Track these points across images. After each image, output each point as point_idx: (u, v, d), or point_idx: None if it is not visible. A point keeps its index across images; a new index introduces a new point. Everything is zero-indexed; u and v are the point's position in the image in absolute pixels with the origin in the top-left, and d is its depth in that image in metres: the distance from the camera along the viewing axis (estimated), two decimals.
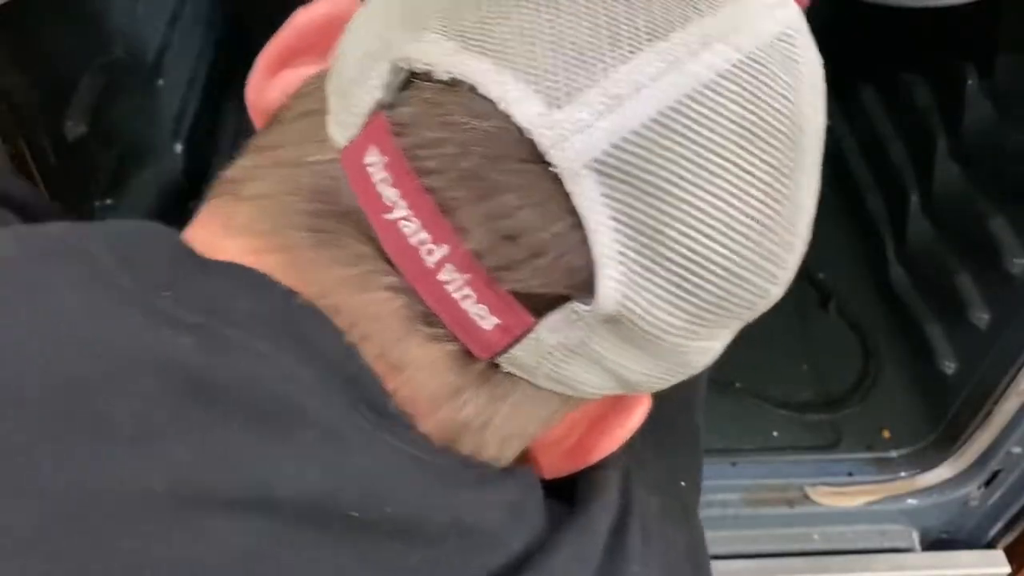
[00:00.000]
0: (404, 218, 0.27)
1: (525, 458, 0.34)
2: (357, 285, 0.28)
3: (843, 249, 1.13)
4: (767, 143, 0.28)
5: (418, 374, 0.28)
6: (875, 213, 1.13)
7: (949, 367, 0.95)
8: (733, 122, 0.27)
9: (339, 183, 0.28)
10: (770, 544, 0.90)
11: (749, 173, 0.27)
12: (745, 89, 0.27)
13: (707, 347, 0.31)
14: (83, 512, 0.24)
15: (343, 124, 0.28)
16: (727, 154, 0.27)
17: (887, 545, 0.92)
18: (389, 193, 0.27)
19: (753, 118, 0.27)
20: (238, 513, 0.25)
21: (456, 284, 0.27)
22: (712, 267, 0.28)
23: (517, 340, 0.28)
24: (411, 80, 0.27)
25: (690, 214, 0.27)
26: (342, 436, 0.26)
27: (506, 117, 0.26)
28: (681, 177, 0.26)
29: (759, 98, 0.27)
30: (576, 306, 0.27)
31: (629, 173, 0.26)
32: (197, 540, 0.24)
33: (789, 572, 0.89)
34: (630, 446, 0.36)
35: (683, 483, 0.44)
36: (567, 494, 0.33)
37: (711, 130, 0.26)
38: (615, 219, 0.26)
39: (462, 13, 0.27)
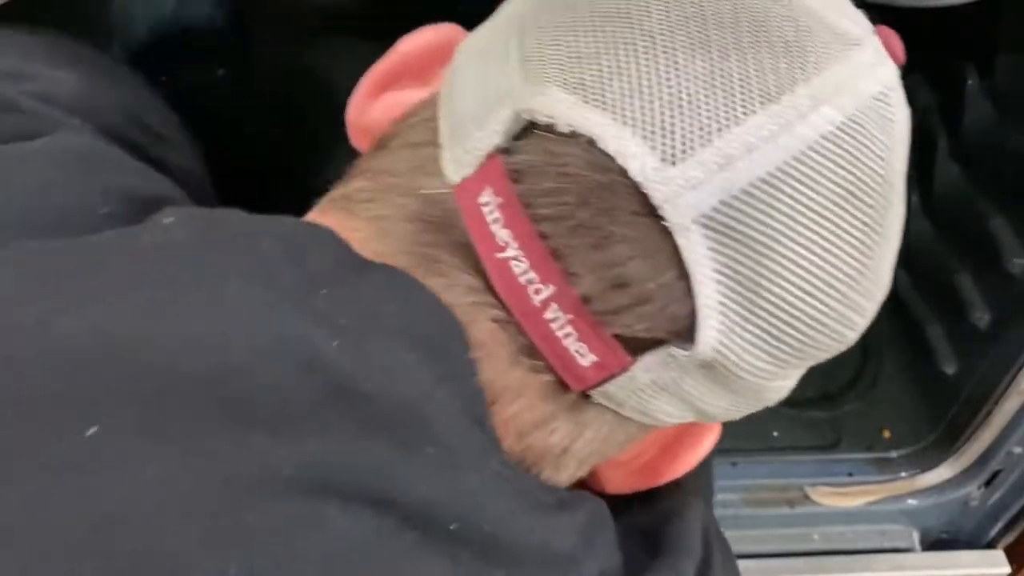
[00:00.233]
0: (514, 258, 0.28)
1: (590, 472, 0.35)
2: (467, 315, 0.29)
3: None
4: (862, 202, 0.29)
5: (515, 402, 0.30)
6: None
7: (949, 367, 0.95)
8: (833, 183, 0.28)
9: (451, 216, 0.29)
10: (770, 544, 0.90)
11: (844, 231, 0.29)
12: (846, 151, 0.28)
13: (784, 385, 0.33)
14: (218, 486, 0.24)
15: (458, 162, 0.29)
16: (826, 212, 0.28)
17: (887, 545, 0.92)
18: (502, 233, 0.28)
19: (852, 178, 0.28)
20: (354, 508, 0.26)
21: (560, 323, 0.28)
22: (802, 317, 0.29)
23: (612, 377, 0.29)
24: (529, 127, 0.28)
25: (788, 268, 0.28)
26: (458, 454, 0.28)
27: (623, 171, 0.27)
28: (782, 234, 0.28)
29: (858, 159, 0.29)
30: (673, 350, 0.29)
31: (734, 229, 0.27)
32: (313, 525, 0.25)
33: (789, 572, 0.89)
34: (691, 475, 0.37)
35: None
36: (616, 505, 0.34)
37: (813, 190, 0.28)
38: (718, 271, 0.27)
39: (583, 66, 0.28)
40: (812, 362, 0.32)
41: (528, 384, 0.30)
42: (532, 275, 0.28)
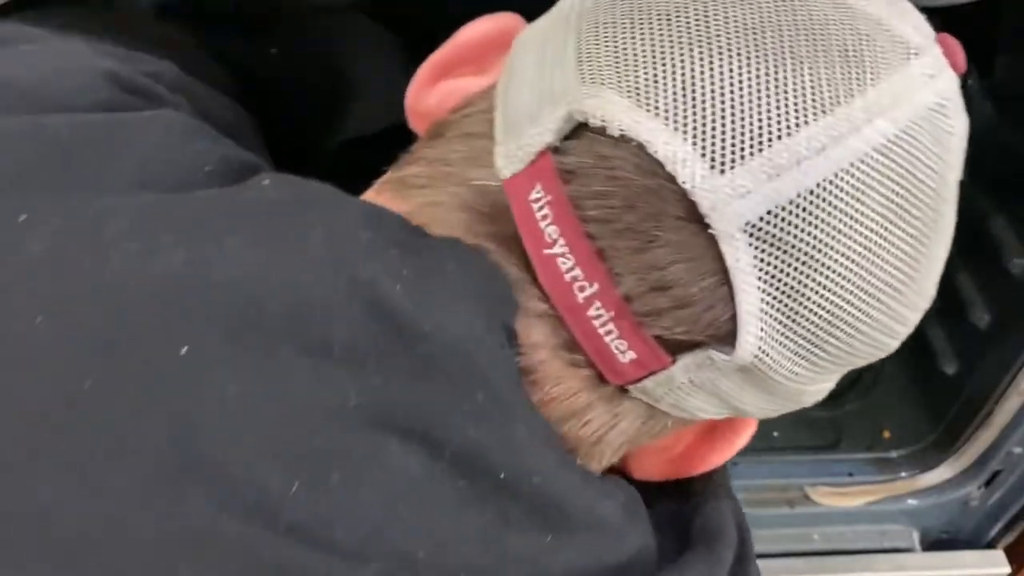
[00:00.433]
0: (561, 255, 0.29)
1: (624, 455, 0.36)
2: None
3: None
4: (912, 215, 0.29)
5: (552, 391, 0.30)
6: None
7: (949, 367, 0.95)
8: (883, 195, 0.28)
9: (500, 209, 0.30)
10: (770, 544, 0.90)
11: (891, 243, 0.28)
12: (898, 163, 0.28)
13: (822, 389, 0.33)
14: (291, 410, 0.27)
15: (510, 157, 0.30)
16: (873, 225, 0.28)
17: (887, 545, 0.92)
18: (550, 230, 0.29)
19: (902, 191, 0.28)
20: (412, 446, 0.27)
21: (602, 320, 0.29)
22: (843, 327, 0.29)
23: (651, 374, 0.30)
24: (581, 128, 0.29)
25: (832, 279, 0.28)
26: (507, 405, 0.28)
27: (671, 177, 0.27)
28: (827, 245, 0.28)
29: (910, 172, 0.28)
30: (712, 353, 0.29)
31: (780, 239, 0.27)
32: (375, 458, 0.27)
33: (789, 572, 0.89)
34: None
35: None
36: (645, 493, 0.35)
37: (861, 202, 0.28)
38: (761, 279, 0.28)
39: (638, 70, 0.28)
40: (850, 367, 0.32)
41: (567, 375, 0.30)
42: (577, 272, 0.29)
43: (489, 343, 0.28)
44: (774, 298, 0.28)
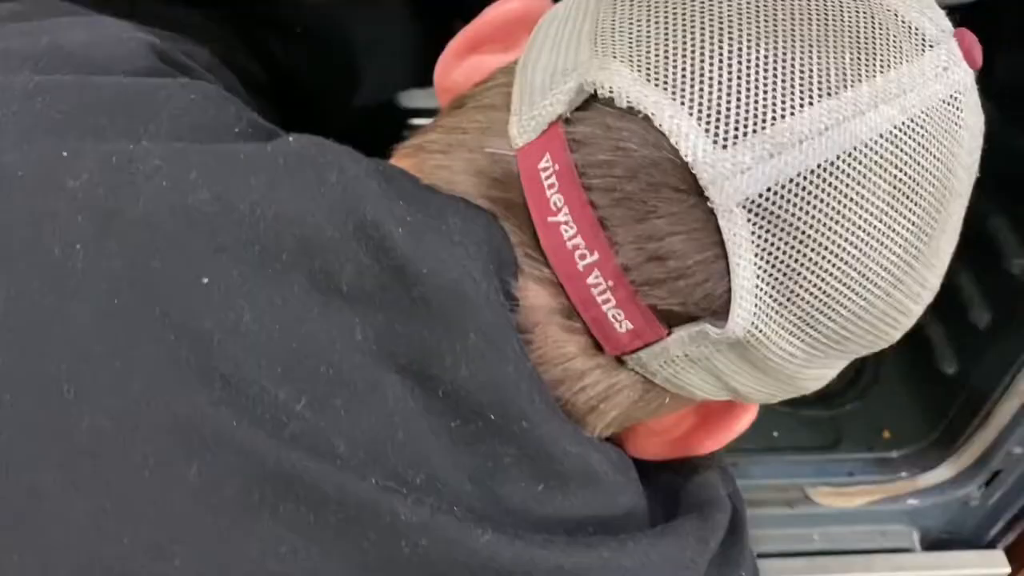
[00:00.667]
0: (565, 223, 0.29)
1: (623, 434, 0.36)
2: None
3: None
4: (915, 203, 0.29)
5: (548, 353, 0.31)
6: None
7: (949, 367, 0.95)
8: (886, 181, 0.28)
9: (511, 177, 0.31)
10: (770, 544, 0.90)
11: (892, 230, 0.29)
12: (903, 151, 0.28)
13: (822, 374, 0.33)
14: (300, 336, 0.28)
15: (524, 127, 0.31)
16: (874, 210, 0.28)
17: (887, 545, 0.92)
18: (556, 199, 0.29)
19: (906, 179, 0.28)
20: (409, 380, 0.29)
21: (600, 288, 0.29)
22: (840, 310, 0.29)
23: (647, 346, 0.30)
24: (591, 100, 0.29)
25: (828, 260, 0.28)
26: (499, 347, 0.29)
27: (674, 149, 0.28)
28: (826, 226, 0.28)
29: (915, 161, 0.28)
30: (706, 327, 0.29)
31: (779, 217, 0.27)
32: (375, 388, 0.29)
33: (789, 572, 0.89)
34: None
35: None
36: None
37: (863, 186, 0.28)
38: (757, 255, 0.28)
39: (650, 45, 0.29)
40: (853, 355, 0.33)
41: (563, 339, 0.31)
42: (579, 240, 0.29)
43: (484, 288, 0.29)
44: (770, 275, 0.28)
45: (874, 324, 0.31)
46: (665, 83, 0.28)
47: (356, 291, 0.29)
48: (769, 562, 0.89)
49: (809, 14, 0.29)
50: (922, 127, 0.28)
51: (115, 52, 0.35)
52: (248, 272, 0.28)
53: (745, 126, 0.27)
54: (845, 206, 0.28)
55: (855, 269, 0.29)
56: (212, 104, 0.34)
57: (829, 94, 0.28)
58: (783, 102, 0.28)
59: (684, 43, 0.29)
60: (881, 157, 0.28)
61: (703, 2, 0.29)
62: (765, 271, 0.28)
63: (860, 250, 0.28)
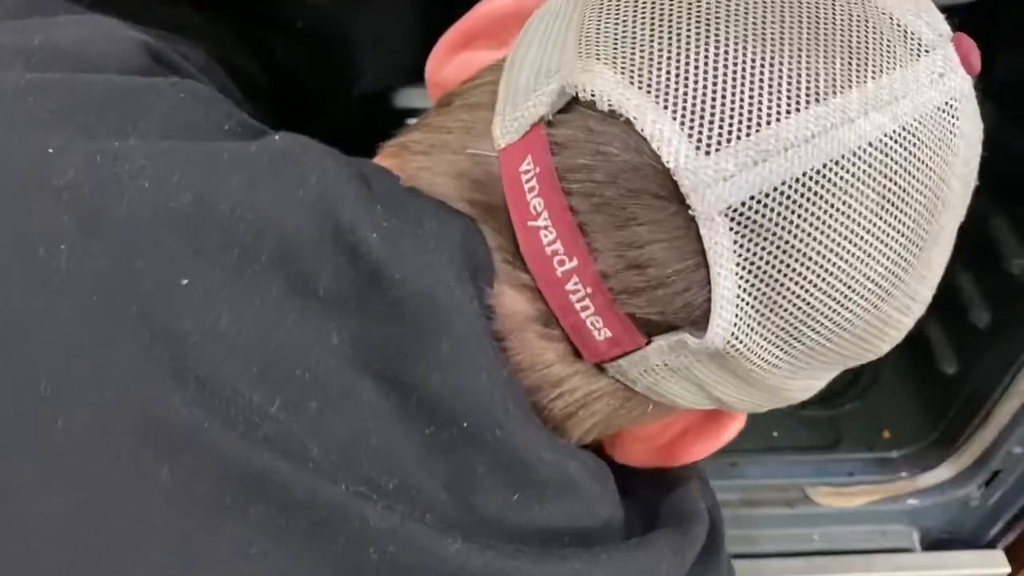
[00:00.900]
0: (544, 227, 0.29)
1: (608, 439, 0.36)
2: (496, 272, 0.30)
3: None
4: (904, 214, 0.28)
5: (525, 360, 0.31)
6: None
7: (949, 367, 0.95)
8: (874, 191, 0.27)
9: (493, 179, 0.30)
10: (770, 544, 0.90)
11: (880, 241, 0.28)
12: (893, 160, 0.27)
13: (809, 385, 0.33)
14: (277, 340, 0.28)
15: (506, 128, 0.30)
16: (862, 220, 0.27)
17: (887, 545, 0.92)
18: (535, 202, 0.29)
19: (895, 189, 0.27)
20: (383, 386, 0.29)
21: (579, 295, 0.29)
22: (825, 322, 0.28)
23: (626, 354, 0.30)
24: (574, 103, 0.29)
25: (813, 271, 0.27)
26: (472, 355, 0.29)
27: (655, 155, 0.27)
28: (811, 236, 0.27)
29: (905, 170, 0.27)
30: (686, 337, 0.29)
31: (762, 226, 0.27)
32: (348, 392, 0.28)
33: (789, 572, 0.89)
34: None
35: None
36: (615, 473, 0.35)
37: (850, 195, 0.27)
38: (740, 265, 0.27)
39: (635, 47, 0.28)
40: (841, 367, 0.32)
41: (541, 347, 0.31)
42: (558, 246, 0.29)
43: (458, 295, 0.29)
44: (752, 285, 0.27)
45: (861, 336, 0.30)
46: (648, 86, 0.27)
47: (333, 295, 0.29)
48: (769, 562, 0.89)
49: (800, 17, 0.28)
50: (914, 135, 0.28)
51: (107, 50, 0.35)
52: (227, 275, 0.28)
53: (729, 132, 0.27)
54: (831, 216, 0.27)
55: (841, 281, 0.28)
56: (202, 103, 0.34)
57: (817, 100, 0.27)
58: (769, 108, 0.27)
59: (670, 44, 0.28)
60: (870, 166, 0.27)
61: (691, 4, 0.28)
62: (747, 281, 0.27)
63: (847, 261, 0.27)
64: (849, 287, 0.28)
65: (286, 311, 0.28)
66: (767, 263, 0.27)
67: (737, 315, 0.28)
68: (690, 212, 0.27)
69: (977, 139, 0.30)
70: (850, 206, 0.27)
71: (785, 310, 0.28)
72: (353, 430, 0.28)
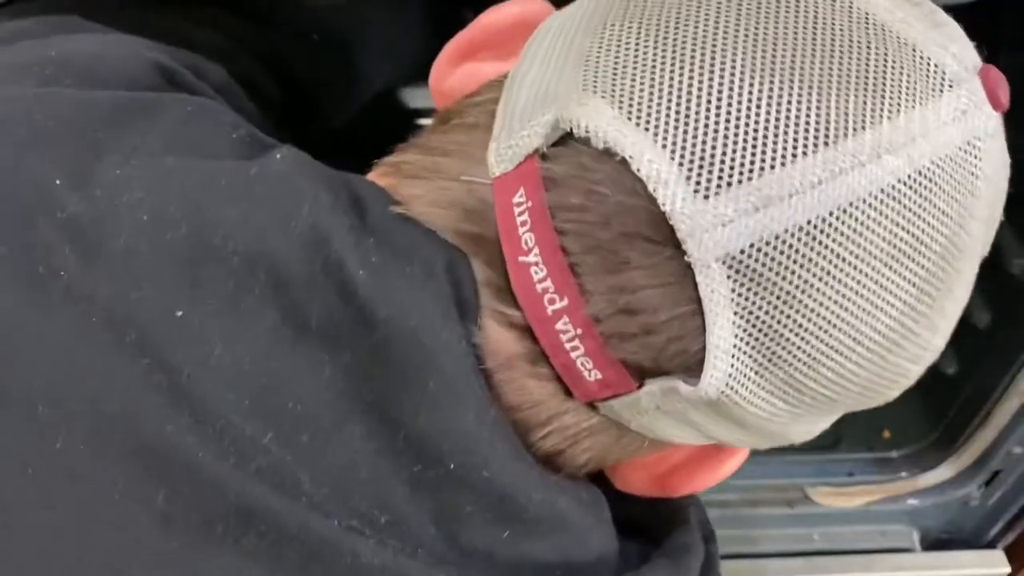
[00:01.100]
0: (535, 264, 0.28)
1: (610, 466, 0.35)
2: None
3: None
4: (917, 264, 0.26)
5: (514, 399, 0.30)
6: None
7: (949, 367, 0.95)
8: (885, 240, 0.26)
9: (487, 208, 0.29)
10: (770, 544, 0.90)
11: (890, 292, 0.26)
12: (906, 207, 0.26)
13: (810, 429, 0.32)
14: (271, 370, 0.28)
15: (501, 156, 0.29)
16: (870, 271, 0.26)
17: (887, 545, 0.92)
18: (527, 237, 0.28)
19: (908, 237, 0.26)
20: (372, 423, 0.28)
21: (569, 335, 0.28)
22: (828, 374, 0.27)
23: (616, 396, 0.29)
24: (568, 137, 0.27)
25: (816, 323, 0.26)
26: (459, 395, 0.28)
27: (651, 197, 0.26)
28: (815, 288, 0.25)
29: (919, 217, 0.26)
30: (678, 384, 0.27)
31: (762, 275, 0.25)
32: (339, 426, 0.28)
33: (789, 572, 0.89)
34: None
35: None
36: (609, 496, 0.34)
37: (858, 246, 0.25)
38: (737, 315, 0.26)
39: (635, 79, 0.27)
40: (845, 411, 0.31)
41: (530, 385, 0.30)
42: (548, 284, 0.28)
43: (445, 335, 0.28)
44: (750, 335, 0.26)
45: (867, 387, 0.29)
46: (647, 123, 0.26)
47: (325, 328, 0.28)
48: (769, 562, 0.89)
49: (813, 49, 0.26)
50: (930, 180, 0.26)
51: (119, 69, 0.34)
52: (222, 306, 0.28)
53: (730, 176, 0.25)
54: (837, 266, 0.25)
55: (847, 333, 0.26)
56: (210, 115, 0.33)
57: (826, 143, 0.25)
58: (775, 150, 0.25)
59: (671, 79, 0.26)
60: (880, 214, 0.25)
61: (696, 30, 0.27)
62: (745, 331, 0.26)
63: (853, 313, 0.26)
64: (855, 340, 0.27)
65: (279, 343, 0.28)
66: (767, 313, 0.26)
67: (733, 365, 0.27)
68: (686, 258, 0.26)
69: (1002, 178, 0.29)
70: (858, 256, 0.25)
71: (785, 361, 0.27)
72: (344, 463, 0.28)
